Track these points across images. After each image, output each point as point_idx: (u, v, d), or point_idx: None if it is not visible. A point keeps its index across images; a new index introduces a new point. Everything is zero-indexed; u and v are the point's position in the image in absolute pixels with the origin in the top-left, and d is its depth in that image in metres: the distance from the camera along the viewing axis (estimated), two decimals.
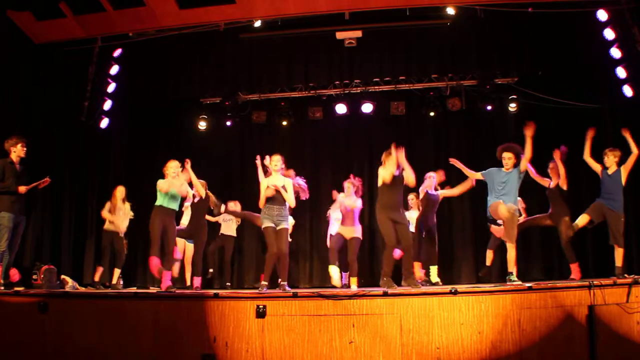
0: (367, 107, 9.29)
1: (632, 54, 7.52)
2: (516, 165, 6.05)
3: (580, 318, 4.86)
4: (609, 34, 7.67)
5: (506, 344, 4.77)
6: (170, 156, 10.00)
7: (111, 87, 8.84)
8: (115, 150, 9.50)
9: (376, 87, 9.30)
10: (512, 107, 9.00)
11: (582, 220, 6.46)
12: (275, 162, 6.09)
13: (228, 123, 9.70)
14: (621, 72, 7.72)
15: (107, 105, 8.89)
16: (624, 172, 6.35)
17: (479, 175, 6.31)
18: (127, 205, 7.82)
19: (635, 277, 5.18)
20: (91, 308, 5.36)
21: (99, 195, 9.11)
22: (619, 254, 6.21)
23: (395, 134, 9.72)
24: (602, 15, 7.61)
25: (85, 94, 8.65)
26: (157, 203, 6.22)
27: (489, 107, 9.02)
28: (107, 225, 7.61)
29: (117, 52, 8.80)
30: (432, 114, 9.26)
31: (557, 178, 6.81)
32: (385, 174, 5.95)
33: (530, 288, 4.93)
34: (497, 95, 8.94)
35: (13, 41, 7.83)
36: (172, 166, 6.40)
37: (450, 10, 7.89)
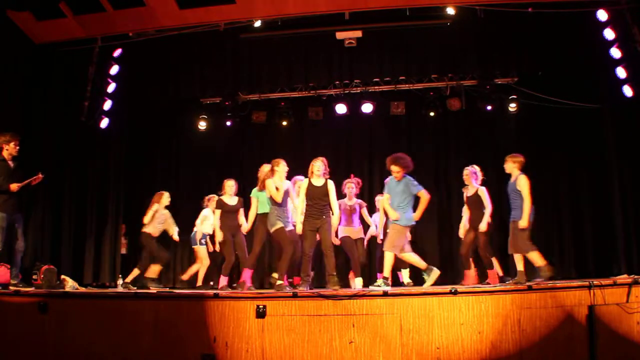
0: (367, 107, 9.28)
1: (632, 54, 7.50)
2: (405, 175, 6.10)
3: (580, 318, 4.86)
4: (609, 34, 7.65)
5: (506, 344, 4.77)
6: (169, 156, 10.14)
7: (111, 87, 8.82)
8: (115, 150, 9.49)
9: (376, 87, 9.31)
10: (512, 107, 9.00)
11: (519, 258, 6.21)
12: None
13: (228, 123, 9.70)
14: (621, 72, 7.71)
15: (107, 105, 8.87)
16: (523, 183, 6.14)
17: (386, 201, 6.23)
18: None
19: (635, 277, 5.17)
20: (91, 308, 5.36)
21: (99, 195, 9.12)
22: (526, 258, 6.04)
23: (395, 134, 9.75)
24: (602, 15, 7.59)
25: (85, 94, 8.63)
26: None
27: (489, 107, 9.02)
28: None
29: (117, 52, 8.79)
30: (432, 114, 9.26)
31: (473, 184, 6.89)
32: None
33: (530, 288, 4.93)
34: (497, 95, 8.94)
35: (13, 41, 7.82)
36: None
37: (450, 10, 7.87)
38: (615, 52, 7.68)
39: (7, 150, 6.29)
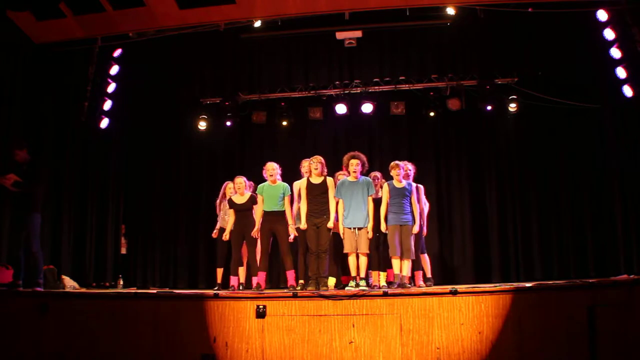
0: (367, 107, 9.27)
1: (632, 54, 7.51)
2: (362, 174, 6.17)
3: (580, 318, 4.86)
4: (609, 34, 7.65)
5: (506, 344, 4.77)
6: (169, 156, 10.14)
7: (111, 87, 8.83)
8: (115, 150, 9.50)
9: (376, 87, 9.30)
10: (512, 107, 8.99)
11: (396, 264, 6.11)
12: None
13: (228, 123, 9.69)
14: (621, 72, 7.71)
15: (107, 105, 8.88)
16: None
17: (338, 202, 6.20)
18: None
19: (635, 277, 5.18)
20: (91, 308, 5.36)
21: (99, 195, 9.12)
22: (406, 264, 5.99)
23: (395, 134, 9.76)
24: (602, 15, 7.60)
25: (85, 94, 8.63)
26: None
27: (489, 107, 9.01)
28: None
29: (117, 52, 8.79)
30: (432, 114, 9.24)
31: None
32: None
33: (530, 288, 4.93)
34: (497, 95, 8.93)
35: (13, 41, 7.82)
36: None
37: (450, 10, 7.87)
38: (615, 52, 7.68)
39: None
